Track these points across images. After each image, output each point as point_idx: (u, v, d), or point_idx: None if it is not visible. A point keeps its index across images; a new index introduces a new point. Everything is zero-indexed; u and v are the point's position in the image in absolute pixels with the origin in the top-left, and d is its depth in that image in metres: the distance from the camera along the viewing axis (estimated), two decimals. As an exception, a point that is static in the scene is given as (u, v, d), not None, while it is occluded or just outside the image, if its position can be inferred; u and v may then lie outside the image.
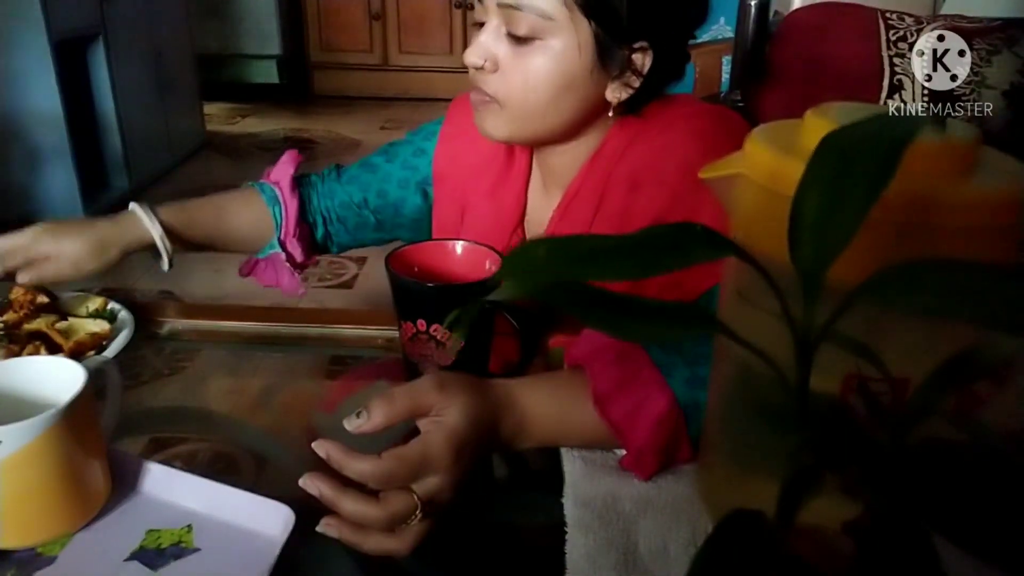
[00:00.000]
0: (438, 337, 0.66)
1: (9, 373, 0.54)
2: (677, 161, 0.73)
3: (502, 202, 0.87)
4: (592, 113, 0.76)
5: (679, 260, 0.31)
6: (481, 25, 0.74)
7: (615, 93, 0.74)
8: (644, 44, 0.72)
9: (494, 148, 0.87)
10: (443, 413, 0.52)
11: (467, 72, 0.76)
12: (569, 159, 0.80)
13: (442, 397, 0.53)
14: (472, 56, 0.73)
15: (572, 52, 0.70)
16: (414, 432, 0.61)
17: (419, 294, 0.66)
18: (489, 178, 0.88)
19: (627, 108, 0.76)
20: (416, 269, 0.71)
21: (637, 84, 0.73)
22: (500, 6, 0.70)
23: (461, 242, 0.73)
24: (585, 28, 0.69)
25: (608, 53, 0.71)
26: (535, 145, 0.81)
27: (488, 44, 0.72)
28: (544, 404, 0.57)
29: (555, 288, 0.31)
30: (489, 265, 0.70)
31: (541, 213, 0.85)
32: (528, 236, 0.87)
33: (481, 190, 0.89)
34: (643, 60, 0.73)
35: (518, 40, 0.71)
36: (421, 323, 0.65)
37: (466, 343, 0.66)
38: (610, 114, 0.76)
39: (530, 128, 0.75)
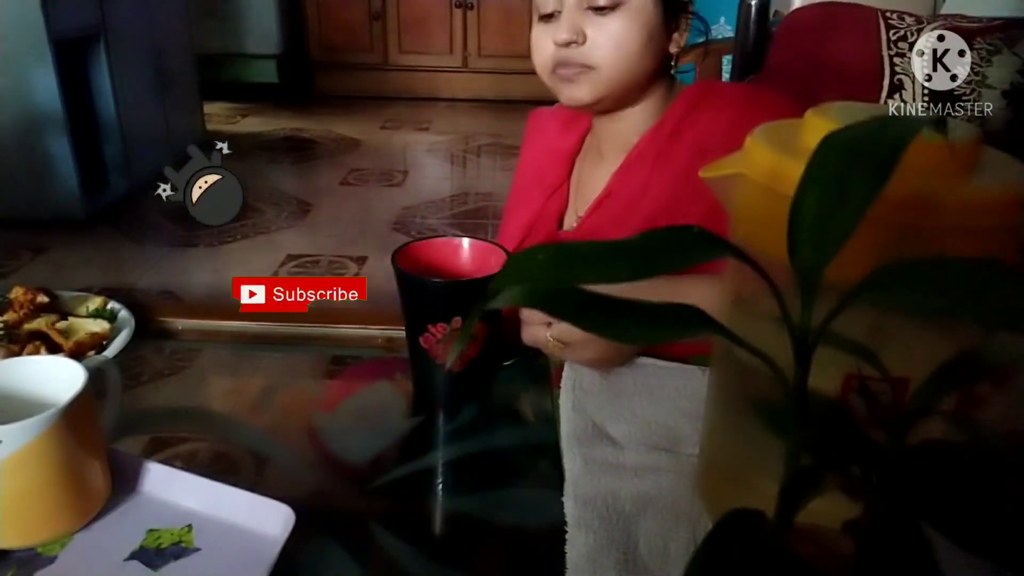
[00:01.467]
0: (445, 334, 0.66)
1: (9, 373, 0.54)
2: (745, 132, 0.80)
3: (544, 168, 0.97)
4: (661, 65, 0.86)
5: (677, 262, 0.31)
6: (546, 17, 0.83)
7: (676, 44, 0.85)
8: None
9: (552, 130, 0.99)
10: None
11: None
12: (629, 125, 0.88)
13: None
14: (563, 34, 0.80)
15: (648, 8, 0.80)
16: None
17: (426, 290, 0.67)
18: (540, 156, 0.99)
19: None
20: (422, 266, 0.71)
21: (688, 32, 0.85)
22: None
23: (467, 239, 0.74)
24: None
25: (671, 4, 0.82)
26: (609, 107, 0.87)
27: (574, 20, 0.80)
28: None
29: (553, 295, 0.31)
30: (495, 261, 0.71)
31: (595, 180, 0.91)
32: (576, 203, 0.95)
33: (529, 167, 1.01)
34: (692, 10, 0.85)
35: (600, 10, 0.80)
36: (456, 321, 0.66)
37: (490, 331, 0.68)
38: (673, 63, 0.86)
39: (618, 85, 0.83)
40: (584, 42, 0.80)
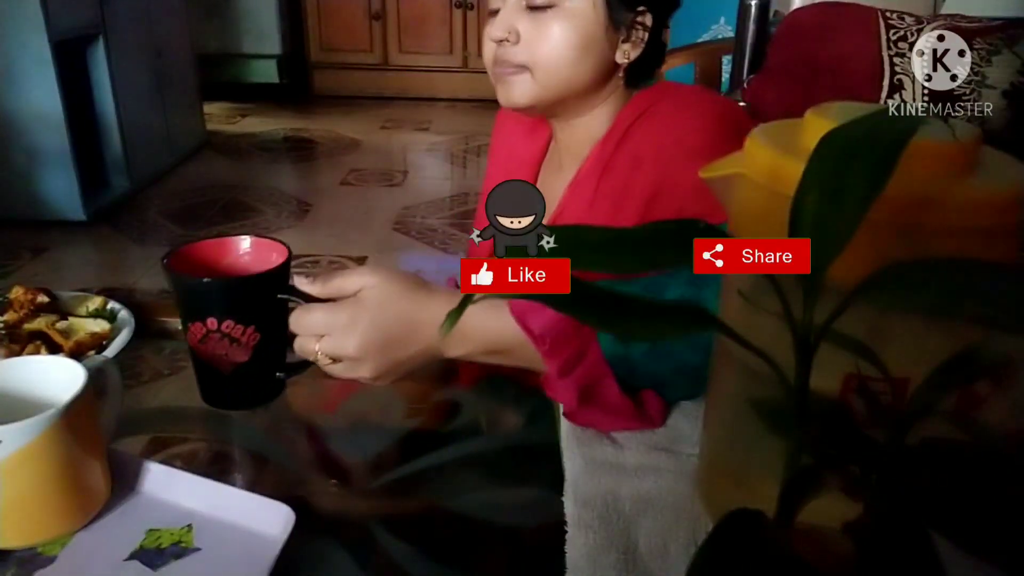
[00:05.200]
0: (232, 334, 0.62)
1: (9, 373, 0.54)
2: (674, 140, 0.77)
3: (511, 174, 0.94)
4: (606, 75, 0.82)
5: (680, 257, 0.31)
6: (493, 13, 0.81)
7: (624, 55, 0.81)
8: (643, 8, 0.80)
9: (517, 134, 0.96)
10: (376, 286, 0.61)
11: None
12: (584, 134, 0.85)
13: (376, 273, 0.62)
14: (496, 31, 0.79)
15: (587, 12, 0.77)
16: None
17: (207, 291, 0.63)
18: (508, 161, 0.97)
19: (634, 75, 0.83)
20: (200, 267, 0.66)
21: (642, 47, 0.81)
22: None
23: (248, 237, 0.69)
24: None
25: (617, 13, 0.79)
26: (557, 113, 0.85)
27: (510, 18, 0.79)
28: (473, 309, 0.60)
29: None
30: (276, 257, 0.65)
31: (554, 193, 0.88)
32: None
33: (498, 171, 0.98)
34: (644, 23, 0.81)
35: (537, 9, 0.78)
36: (212, 322, 0.61)
37: (262, 337, 0.63)
38: (620, 75, 0.82)
39: (554, 91, 0.80)
40: (518, 41, 0.79)
